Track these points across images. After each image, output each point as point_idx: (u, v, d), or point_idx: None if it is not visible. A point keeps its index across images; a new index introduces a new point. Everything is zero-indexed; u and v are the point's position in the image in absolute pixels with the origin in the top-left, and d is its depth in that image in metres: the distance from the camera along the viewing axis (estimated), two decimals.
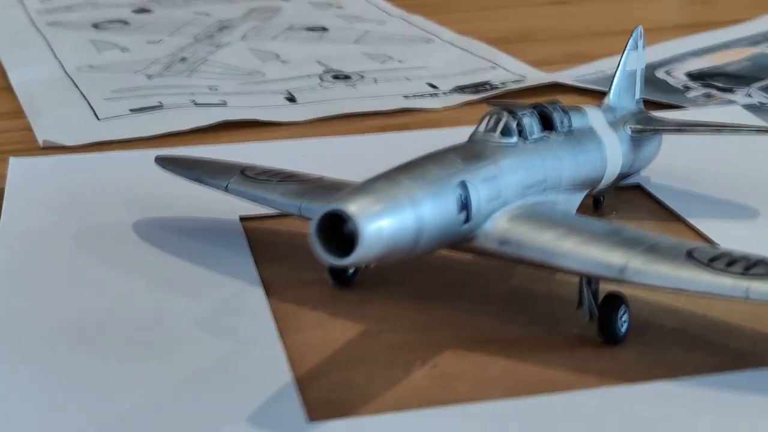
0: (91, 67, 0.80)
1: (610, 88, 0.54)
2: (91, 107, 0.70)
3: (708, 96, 0.73)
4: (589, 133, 0.49)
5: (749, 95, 0.74)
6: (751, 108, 0.70)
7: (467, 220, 0.41)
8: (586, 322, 0.43)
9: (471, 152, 0.43)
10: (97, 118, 0.69)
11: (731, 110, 0.69)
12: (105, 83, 0.75)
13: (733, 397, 0.39)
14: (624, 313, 0.43)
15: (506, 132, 0.45)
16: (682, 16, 0.96)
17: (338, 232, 0.38)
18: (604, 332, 0.43)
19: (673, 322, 0.44)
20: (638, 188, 0.57)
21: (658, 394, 0.40)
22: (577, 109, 0.50)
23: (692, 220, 0.53)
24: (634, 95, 0.55)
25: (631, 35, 0.55)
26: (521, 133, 0.45)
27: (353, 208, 0.37)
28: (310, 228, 0.38)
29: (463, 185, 0.41)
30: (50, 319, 0.44)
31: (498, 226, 0.42)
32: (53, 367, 0.41)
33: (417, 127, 0.68)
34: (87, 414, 0.38)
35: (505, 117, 0.45)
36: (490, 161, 0.43)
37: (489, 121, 0.45)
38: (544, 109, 0.47)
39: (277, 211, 0.50)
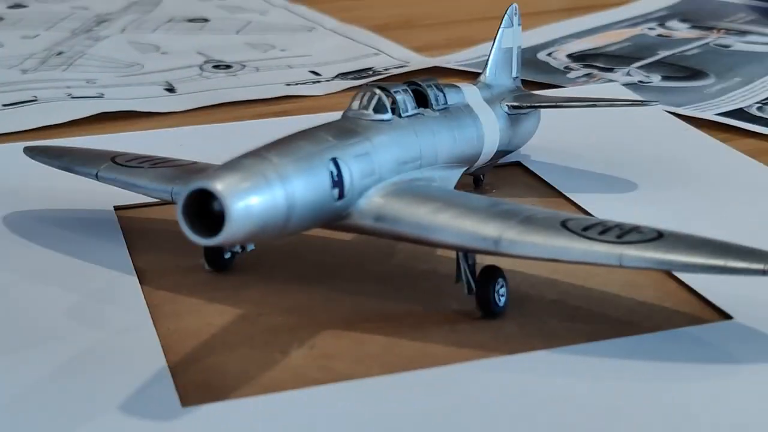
0: None
1: (486, 66, 0.54)
2: None
3: (589, 76, 0.74)
4: (465, 110, 0.49)
5: (629, 74, 0.74)
6: (630, 86, 0.71)
7: (341, 196, 0.41)
8: (465, 297, 0.43)
9: (343, 129, 0.43)
10: None
11: (610, 87, 0.70)
12: None
13: (609, 363, 0.39)
14: (501, 287, 0.43)
15: (379, 109, 0.44)
16: (566, 0, 0.97)
17: (208, 211, 0.37)
18: (482, 306, 0.42)
19: (552, 294, 0.44)
20: (518, 165, 0.57)
21: (536, 363, 0.40)
22: (452, 86, 0.50)
23: (572, 195, 0.53)
24: (511, 73, 0.55)
25: (506, 13, 0.55)
26: (395, 109, 0.45)
27: (220, 185, 0.37)
28: (177, 207, 0.37)
29: (335, 162, 0.41)
30: None
31: (373, 202, 0.42)
32: None
33: (298, 113, 0.68)
34: None
35: (378, 93, 0.45)
36: (362, 137, 0.43)
37: (362, 98, 0.45)
38: (418, 86, 0.47)
39: (151, 198, 0.49)
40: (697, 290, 0.44)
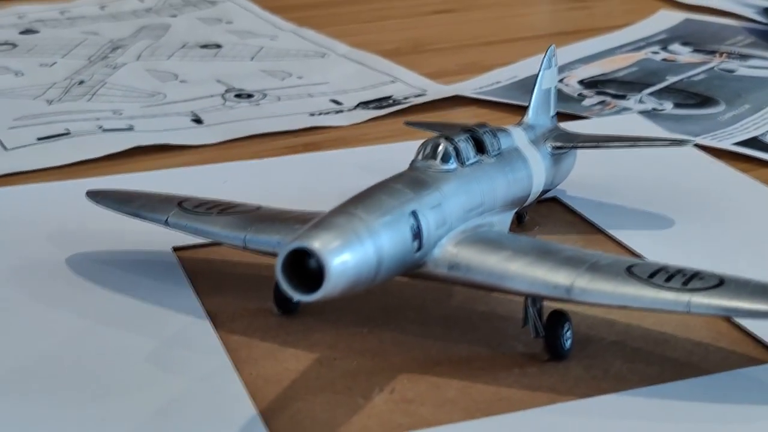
0: None
1: (528, 107, 0.56)
2: None
3: (603, 103, 0.76)
4: (515, 153, 0.51)
5: (642, 101, 0.76)
6: (645, 114, 0.73)
7: (420, 248, 0.43)
8: (530, 340, 0.45)
9: (416, 180, 0.45)
10: (5, 148, 0.68)
11: (631, 118, 0.72)
12: (5, 111, 0.74)
13: (679, 405, 0.41)
14: (568, 330, 0.45)
15: (445, 158, 0.46)
16: (564, 23, 0.99)
17: (301, 267, 0.39)
18: (550, 349, 0.44)
19: (611, 335, 0.46)
20: (555, 200, 0.59)
21: (607, 407, 0.42)
22: (503, 129, 0.52)
23: (612, 232, 0.55)
24: (549, 112, 0.57)
25: (545, 55, 0.57)
26: (459, 158, 0.47)
27: (317, 244, 0.38)
28: (277, 266, 0.38)
29: (414, 214, 0.43)
30: None
31: (446, 251, 0.44)
32: (4, 412, 0.41)
33: (325, 144, 0.69)
34: None
35: (443, 143, 0.46)
36: (434, 188, 0.44)
37: (426, 148, 0.47)
38: (476, 132, 0.49)
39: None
40: (749, 331, 0.46)
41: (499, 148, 0.50)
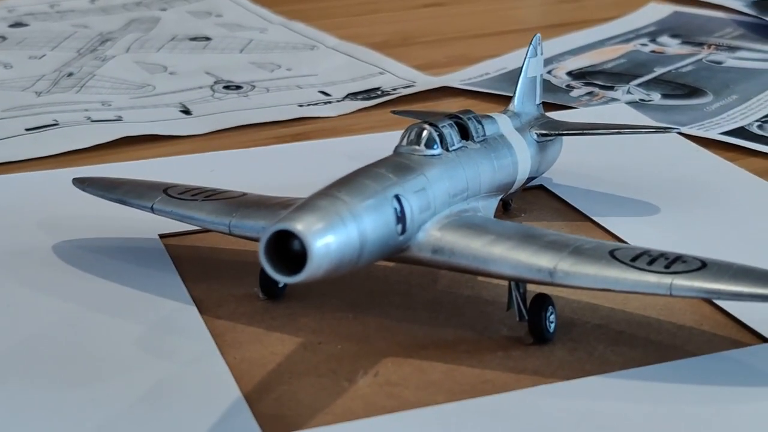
0: None
1: (513, 95, 0.56)
2: None
3: (591, 94, 0.76)
4: (500, 140, 0.51)
5: (629, 92, 0.77)
6: (632, 105, 0.73)
7: (403, 231, 0.43)
8: (515, 323, 0.45)
9: (400, 165, 0.45)
10: None
11: (618, 108, 0.72)
12: None
13: (663, 387, 0.42)
14: (551, 314, 0.45)
15: (430, 144, 0.46)
16: (554, 16, 0.99)
17: (284, 250, 0.39)
18: (534, 332, 0.45)
19: (595, 319, 0.46)
20: (541, 188, 0.59)
21: (591, 389, 0.42)
22: (488, 117, 0.52)
23: (598, 219, 0.55)
24: (535, 100, 0.58)
25: (531, 43, 0.57)
26: (443, 143, 0.47)
27: (300, 226, 0.38)
28: (260, 248, 0.38)
29: (398, 198, 0.43)
30: None
31: (430, 235, 0.44)
32: None
33: (314, 135, 0.70)
34: None
35: (427, 128, 0.47)
36: (418, 173, 0.45)
37: (410, 134, 0.47)
38: (460, 119, 0.49)
39: (197, 227, 0.51)
40: (732, 314, 0.46)
41: (484, 135, 0.50)
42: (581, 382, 0.42)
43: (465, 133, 0.49)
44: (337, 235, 0.39)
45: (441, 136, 0.47)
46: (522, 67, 0.56)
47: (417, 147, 0.46)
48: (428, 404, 0.41)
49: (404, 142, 0.47)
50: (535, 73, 0.57)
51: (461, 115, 0.49)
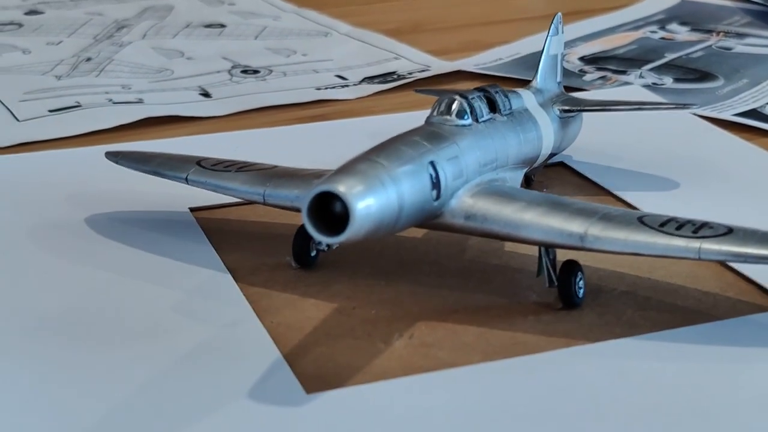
0: None
1: (536, 72, 0.57)
2: (8, 109, 0.70)
3: (604, 78, 0.77)
4: (526, 114, 0.52)
5: (642, 76, 0.78)
6: (646, 87, 0.74)
7: (438, 197, 0.44)
8: (544, 289, 0.46)
9: (433, 134, 0.46)
10: (17, 120, 0.69)
11: (632, 90, 0.73)
12: (15, 85, 0.75)
13: (689, 348, 0.43)
14: (580, 279, 0.46)
15: (461, 114, 0.47)
16: (564, 4, 1.00)
17: (325, 213, 0.40)
18: (564, 297, 0.46)
19: (622, 286, 0.48)
20: (562, 165, 0.60)
21: (621, 350, 0.43)
22: (513, 92, 0.53)
23: (620, 194, 0.56)
24: (556, 78, 0.59)
25: (552, 22, 0.58)
26: (473, 114, 0.48)
27: (342, 188, 0.39)
28: (303, 209, 0.39)
29: (433, 165, 0.44)
30: (28, 314, 0.45)
31: (463, 202, 0.45)
32: (39, 358, 0.42)
33: (333, 116, 0.71)
34: (86, 400, 0.39)
35: (458, 99, 0.48)
36: (451, 141, 0.46)
37: (441, 105, 0.48)
38: (488, 92, 0.50)
39: (226, 200, 0.52)
40: (755, 280, 0.47)
41: (510, 108, 0.51)
42: (611, 343, 0.43)
43: (492, 106, 0.50)
44: (378, 198, 0.40)
45: (471, 107, 0.48)
46: (544, 44, 0.58)
47: (448, 117, 0.47)
48: (463, 364, 0.42)
49: (435, 113, 0.48)
50: (556, 51, 0.58)
51: (489, 89, 0.50)
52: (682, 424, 0.38)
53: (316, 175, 0.48)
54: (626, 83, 0.76)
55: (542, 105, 0.55)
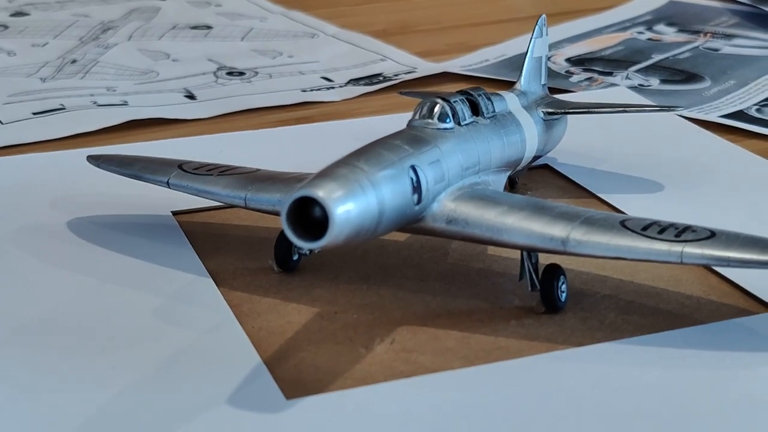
0: None
1: (520, 74, 0.57)
2: None
3: (590, 80, 0.77)
4: (509, 117, 0.52)
5: (628, 77, 0.78)
6: (632, 90, 0.74)
7: (419, 201, 0.44)
8: (526, 293, 0.46)
9: (414, 138, 0.46)
10: (1, 123, 0.69)
11: (617, 91, 0.73)
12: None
13: (672, 353, 0.43)
14: (563, 283, 0.46)
15: (443, 118, 0.47)
16: (551, 5, 1.00)
17: (305, 217, 0.40)
18: (546, 302, 0.45)
19: (605, 290, 0.47)
20: (546, 167, 0.60)
21: (604, 354, 0.43)
22: (497, 94, 0.53)
23: (604, 196, 0.56)
24: (540, 80, 0.58)
25: (536, 24, 0.58)
26: (455, 117, 0.48)
27: (321, 193, 0.39)
28: (282, 214, 0.39)
29: (414, 169, 0.44)
30: (7, 320, 0.45)
31: (444, 206, 0.45)
32: (19, 364, 0.42)
33: (318, 119, 0.70)
34: (65, 408, 0.39)
35: (440, 103, 0.47)
36: (432, 145, 0.46)
37: (423, 108, 0.48)
38: (470, 95, 0.50)
39: (210, 204, 0.52)
40: (738, 283, 0.47)
41: (493, 111, 0.51)
42: (594, 348, 0.43)
43: (475, 109, 0.50)
44: (358, 203, 0.40)
45: (453, 110, 0.48)
46: (528, 47, 0.57)
47: (430, 120, 0.47)
48: (445, 369, 0.42)
49: (417, 116, 0.48)
50: (540, 54, 0.58)
51: (471, 92, 0.50)
52: (664, 428, 0.38)
53: (298, 178, 0.48)
54: (612, 85, 0.76)
55: (526, 107, 0.54)
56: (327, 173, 0.41)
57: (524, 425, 0.38)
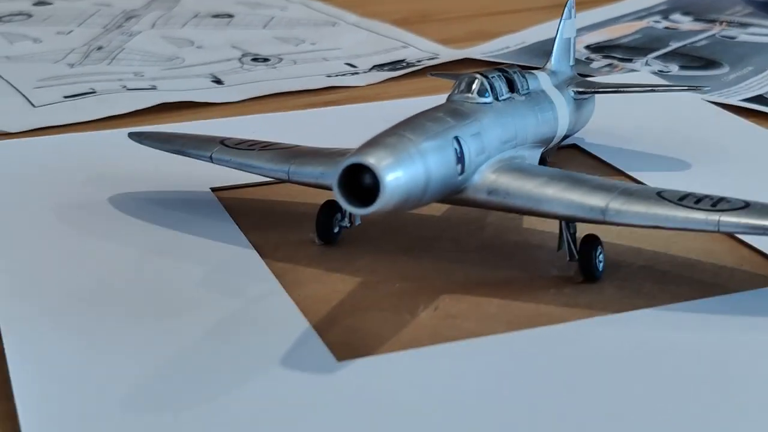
0: (8, 58, 0.80)
1: (550, 54, 0.58)
2: (24, 96, 0.71)
3: (611, 66, 0.78)
4: (542, 95, 0.53)
5: (648, 64, 0.79)
6: (654, 74, 0.75)
7: (462, 171, 0.45)
8: (564, 263, 0.47)
9: (455, 111, 0.47)
10: (33, 106, 0.70)
11: (640, 76, 0.74)
12: (28, 72, 0.76)
13: (707, 319, 0.44)
14: (600, 253, 0.47)
15: (482, 92, 0.48)
16: None
17: (354, 186, 0.41)
18: (584, 271, 0.47)
19: (640, 261, 0.49)
20: (575, 147, 0.61)
21: (643, 320, 0.44)
22: (530, 73, 0.54)
23: (632, 173, 0.57)
24: (569, 61, 0.60)
25: (565, 6, 0.59)
26: (493, 92, 0.49)
27: (372, 159, 0.40)
28: (333, 181, 0.40)
29: (457, 140, 0.45)
30: (57, 291, 0.46)
31: (485, 177, 0.46)
32: (70, 332, 0.43)
33: (344, 102, 0.71)
34: (120, 371, 0.40)
35: (479, 78, 0.49)
36: (473, 118, 0.47)
37: (462, 83, 0.49)
38: (506, 72, 0.51)
39: (248, 180, 0.53)
40: None
41: (528, 88, 0.52)
42: (632, 314, 0.44)
43: (511, 86, 0.51)
44: (406, 170, 0.41)
45: (491, 85, 0.49)
46: (558, 27, 0.59)
47: (469, 95, 0.48)
48: (489, 334, 0.43)
49: (456, 91, 0.49)
50: (569, 35, 0.59)
51: (507, 69, 0.51)
52: (701, 389, 0.39)
53: (340, 153, 0.49)
54: (632, 71, 0.77)
55: (557, 86, 0.56)
56: (375, 142, 0.42)
57: (567, 387, 0.39)
